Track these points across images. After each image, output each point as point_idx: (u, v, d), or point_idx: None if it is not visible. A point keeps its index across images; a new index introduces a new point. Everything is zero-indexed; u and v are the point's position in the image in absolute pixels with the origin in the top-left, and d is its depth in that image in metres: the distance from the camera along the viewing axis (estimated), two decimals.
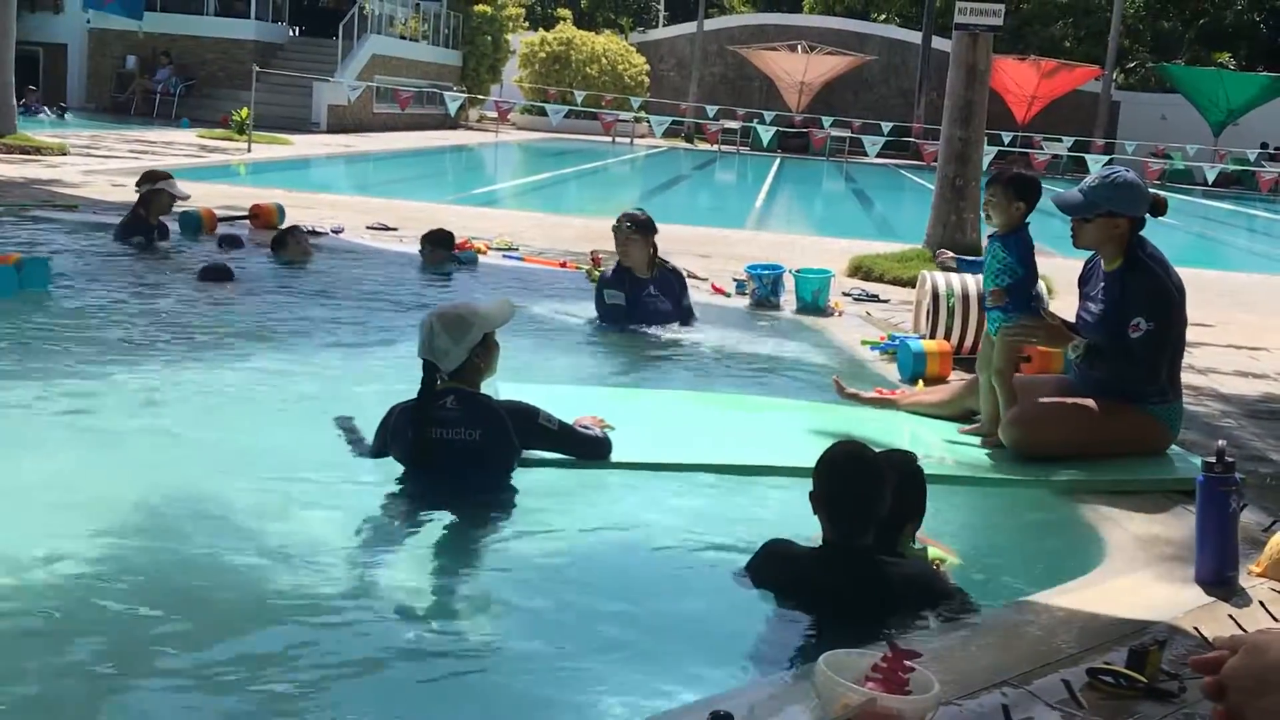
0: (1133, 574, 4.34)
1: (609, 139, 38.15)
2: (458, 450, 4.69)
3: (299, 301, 8.65)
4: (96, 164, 17.82)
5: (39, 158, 18.01)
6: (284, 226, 10.69)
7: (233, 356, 6.84)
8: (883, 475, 3.92)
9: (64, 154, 18.69)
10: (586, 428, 5.18)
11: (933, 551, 4.24)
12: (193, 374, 6.37)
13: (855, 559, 3.86)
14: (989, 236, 5.94)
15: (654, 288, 8.43)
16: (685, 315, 8.48)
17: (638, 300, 8.34)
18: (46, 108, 29.14)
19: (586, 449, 5.09)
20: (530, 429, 4.88)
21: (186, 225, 11.05)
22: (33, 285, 7.80)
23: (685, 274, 8.72)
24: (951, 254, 7.72)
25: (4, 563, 3.78)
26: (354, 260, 10.46)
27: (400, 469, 4.83)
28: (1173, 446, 5.78)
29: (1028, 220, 5.85)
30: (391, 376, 5.94)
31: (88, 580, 3.79)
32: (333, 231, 11.70)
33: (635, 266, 8.44)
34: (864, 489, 3.87)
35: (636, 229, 8.42)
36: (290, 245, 10.04)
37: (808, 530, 4.06)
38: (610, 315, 8.33)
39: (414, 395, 4.82)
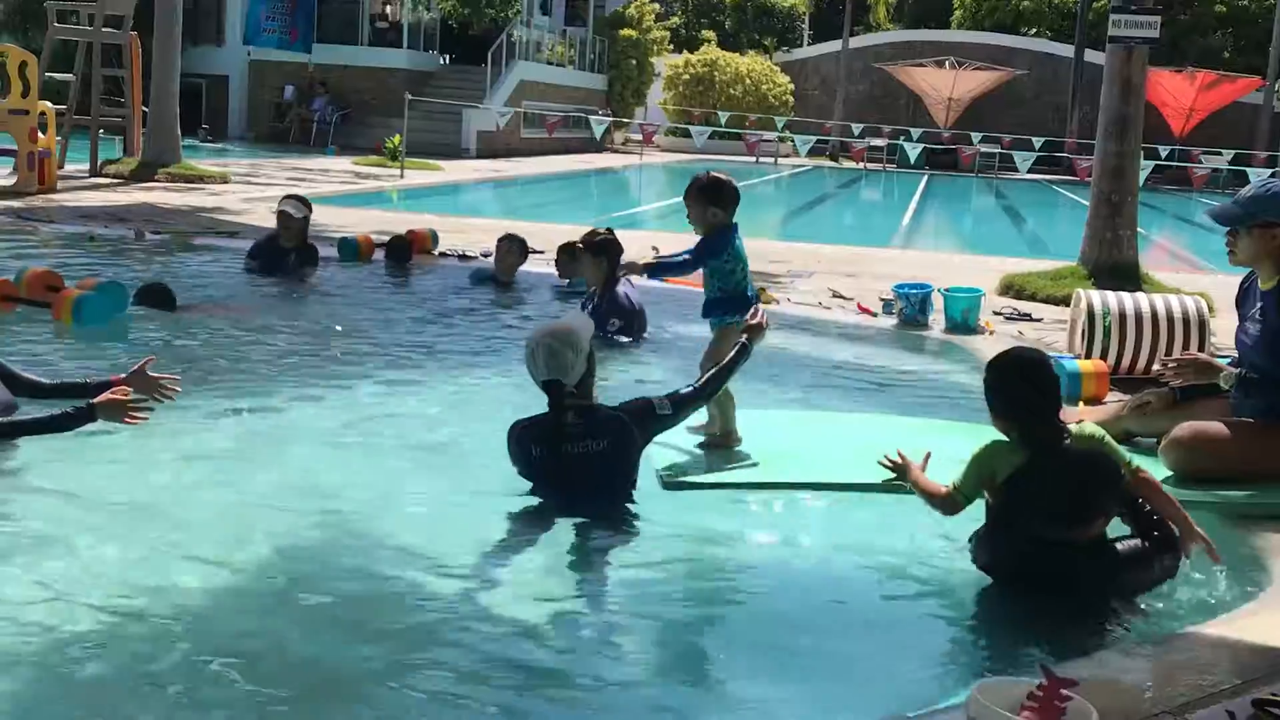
0: None
1: (753, 159, 38.11)
2: (590, 461, 4.79)
3: (445, 322, 8.81)
4: (256, 191, 18.40)
5: (202, 186, 18.68)
6: (500, 236, 10.62)
7: (370, 376, 7.01)
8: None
9: (225, 182, 19.35)
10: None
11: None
12: (325, 394, 6.52)
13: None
14: None
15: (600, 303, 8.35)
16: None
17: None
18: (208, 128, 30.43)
19: (708, 395, 5.31)
20: (648, 421, 5.00)
21: (345, 251, 11.31)
22: (93, 320, 7.77)
23: (627, 301, 8.39)
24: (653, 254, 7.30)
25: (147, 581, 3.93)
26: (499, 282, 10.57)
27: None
28: None
29: (734, 222, 5.98)
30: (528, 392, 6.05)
31: (242, 589, 3.92)
32: (482, 255, 11.90)
33: (590, 282, 8.54)
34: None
35: (583, 249, 8.54)
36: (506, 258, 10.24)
37: (959, 553, 4.00)
38: None
39: (525, 415, 4.94)
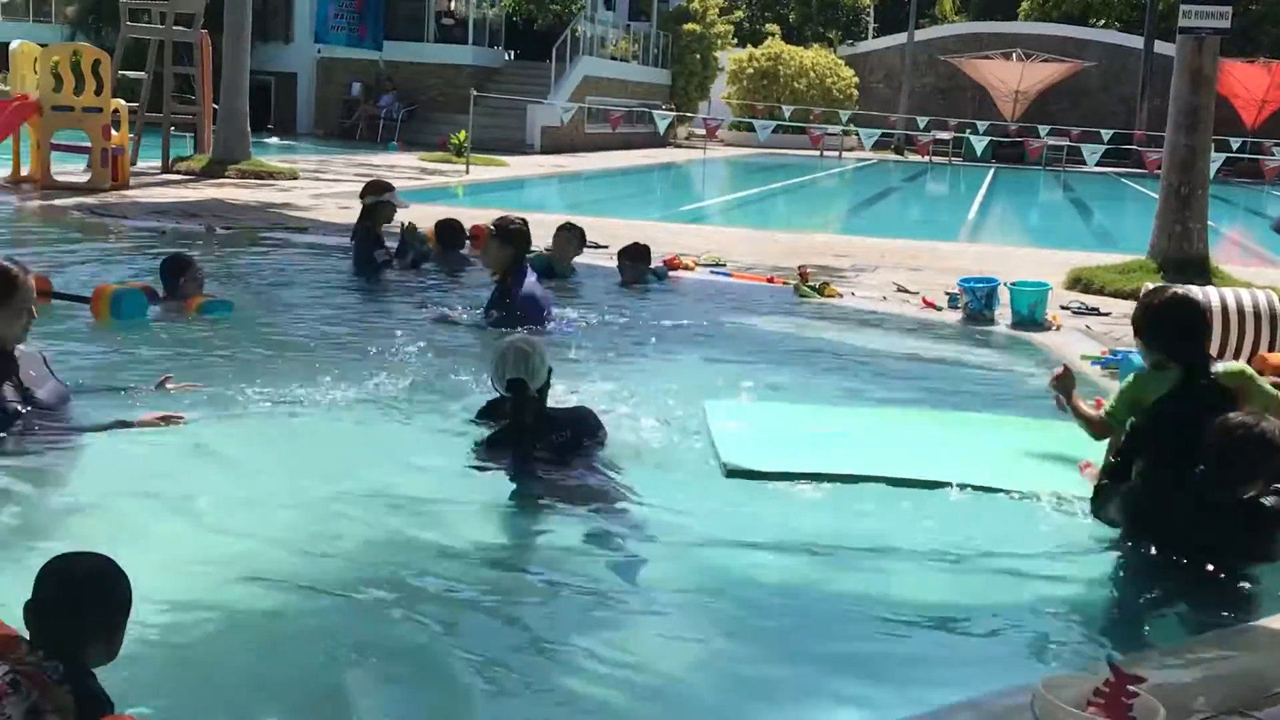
0: None
1: (817, 153, 37.95)
2: (558, 450, 5.09)
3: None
4: (325, 188, 18.57)
5: (272, 182, 18.89)
6: (560, 226, 10.65)
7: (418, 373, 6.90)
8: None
9: (294, 178, 19.54)
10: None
11: None
12: (379, 383, 6.45)
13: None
14: None
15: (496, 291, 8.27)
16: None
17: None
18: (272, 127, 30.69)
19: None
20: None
21: (413, 245, 11.33)
22: (131, 315, 7.68)
23: (519, 294, 8.15)
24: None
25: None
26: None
27: None
28: None
29: None
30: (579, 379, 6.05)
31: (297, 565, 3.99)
32: (545, 251, 11.91)
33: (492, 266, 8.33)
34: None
35: (494, 233, 8.30)
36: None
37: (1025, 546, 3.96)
38: None
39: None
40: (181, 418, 5.32)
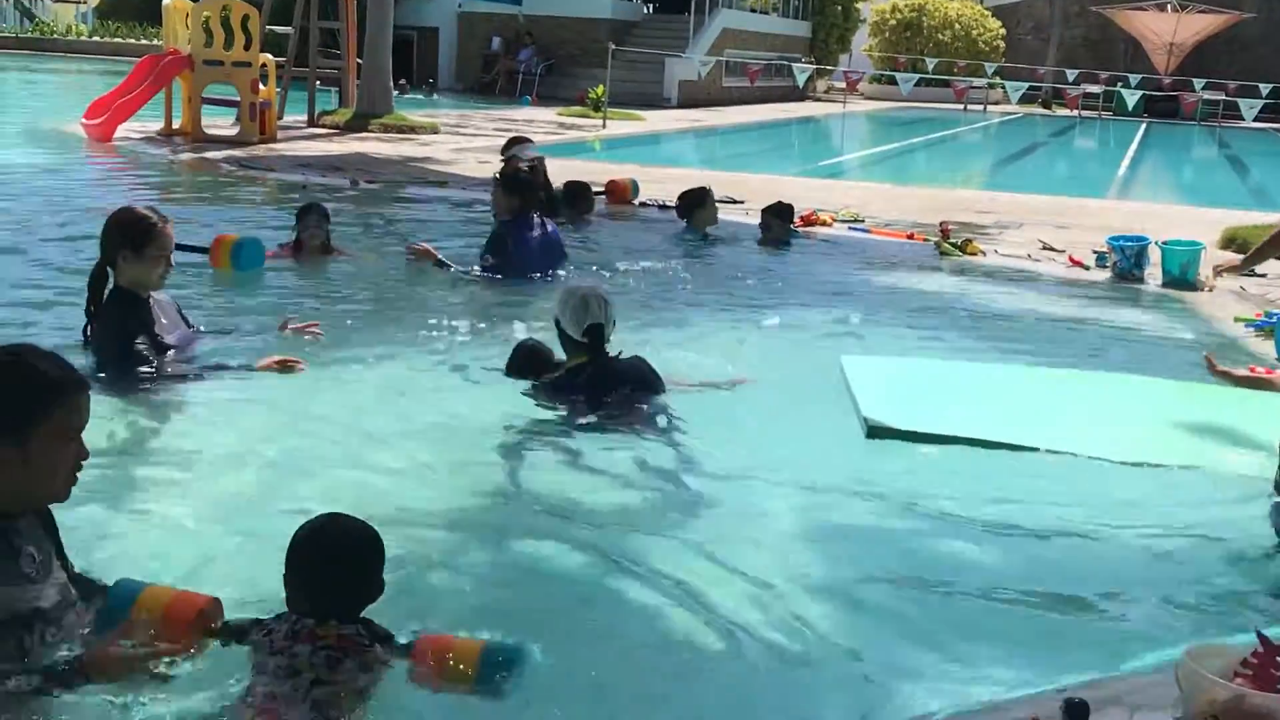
0: None
1: (961, 107, 37.19)
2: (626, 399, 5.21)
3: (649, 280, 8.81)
4: (465, 142, 18.76)
5: (413, 136, 19.14)
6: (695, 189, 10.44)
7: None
8: None
9: (435, 133, 19.77)
10: None
11: None
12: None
13: None
14: None
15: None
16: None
17: None
18: (405, 82, 31.00)
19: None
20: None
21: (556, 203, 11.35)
22: (250, 265, 7.70)
23: (518, 242, 8.03)
24: None
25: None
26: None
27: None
28: None
29: None
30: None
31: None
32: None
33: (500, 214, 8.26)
34: None
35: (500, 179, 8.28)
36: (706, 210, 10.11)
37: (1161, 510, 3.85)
38: None
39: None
40: (299, 363, 5.42)
